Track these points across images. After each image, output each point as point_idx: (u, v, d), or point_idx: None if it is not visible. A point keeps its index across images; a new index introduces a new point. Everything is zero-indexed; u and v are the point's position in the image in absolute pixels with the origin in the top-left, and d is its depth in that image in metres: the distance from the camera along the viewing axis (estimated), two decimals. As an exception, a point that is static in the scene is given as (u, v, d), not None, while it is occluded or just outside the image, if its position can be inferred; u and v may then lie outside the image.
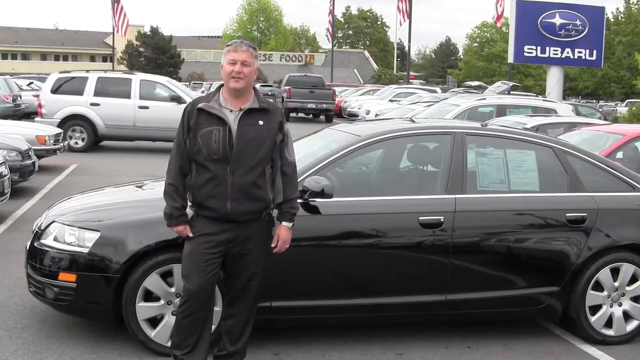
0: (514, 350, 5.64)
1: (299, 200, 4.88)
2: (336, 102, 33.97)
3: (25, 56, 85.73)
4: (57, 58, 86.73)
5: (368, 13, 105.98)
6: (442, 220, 5.43)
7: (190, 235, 4.56)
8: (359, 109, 31.64)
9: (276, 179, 4.65)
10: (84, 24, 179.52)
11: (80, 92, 17.95)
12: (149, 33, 71.01)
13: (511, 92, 21.15)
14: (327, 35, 61.95)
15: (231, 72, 4.47)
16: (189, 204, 4.60)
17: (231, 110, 4.51)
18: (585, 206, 5.75)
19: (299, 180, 4.90)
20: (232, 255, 4.57)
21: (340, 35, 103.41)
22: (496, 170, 5.83)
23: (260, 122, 4.53)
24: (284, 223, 4.69)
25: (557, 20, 28.35)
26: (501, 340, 5.82)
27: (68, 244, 5.20)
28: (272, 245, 4.70)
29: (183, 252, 4.61)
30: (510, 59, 29.69)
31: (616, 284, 5.78)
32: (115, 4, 51.55)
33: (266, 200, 4.57)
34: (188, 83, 56.41)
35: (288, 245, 4.74)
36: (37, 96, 27.53)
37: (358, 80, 76.55)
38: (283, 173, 4.65)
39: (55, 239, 5.28)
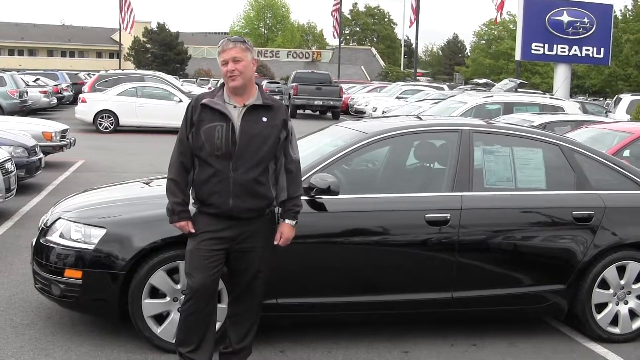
0: (520, 348, 5.63)
1: (305, 198, 4.87)
2: (343, 99, 33.90)
3: (31, 52, 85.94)
4: (63, 54, 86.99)
5: (375, 10, 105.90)
6: (448, 217, 5.42)
7: (192, 231, 4.53)
8: (366, 106, 31.61)
9: (280, 176, 4.61)
10: (91, 19, 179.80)
11: None
12: (156, 29, 71.21)
13: (518, 90, 21.10)
14: (333, 32, 61.82)
15: (226, 72, 4.47)
16: (192, 200, 4.59)
17: (235, 107, 4.49)
18: (592, 204, 5.73)
19: (305, 177, 4.89)
20: (236, 253, 4.56)
21: (348, 32, 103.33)
22: (503, 168, 5.82)
23: (264, 119, 4.51)
24: (287, 221, 4.66)
25: (565, 18, 28.32)
26: (507, 338, 5.81)
27: (74, 240, 5.20)
28: (275, 242, 4.68)
29: (186, 249, 4.60)
30: (518, 56, 29.67)
31: (622, 282, 5.76)
32: (123, 0, 51.62)
33: (269, 198, 4.54)
34: (195, 80, 56.48)
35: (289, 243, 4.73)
36: (44, 92, 27.88)
37: (365, 77, 76.52)
38: (287, 171, 4.61)
39: (61, 236, 5.29)
